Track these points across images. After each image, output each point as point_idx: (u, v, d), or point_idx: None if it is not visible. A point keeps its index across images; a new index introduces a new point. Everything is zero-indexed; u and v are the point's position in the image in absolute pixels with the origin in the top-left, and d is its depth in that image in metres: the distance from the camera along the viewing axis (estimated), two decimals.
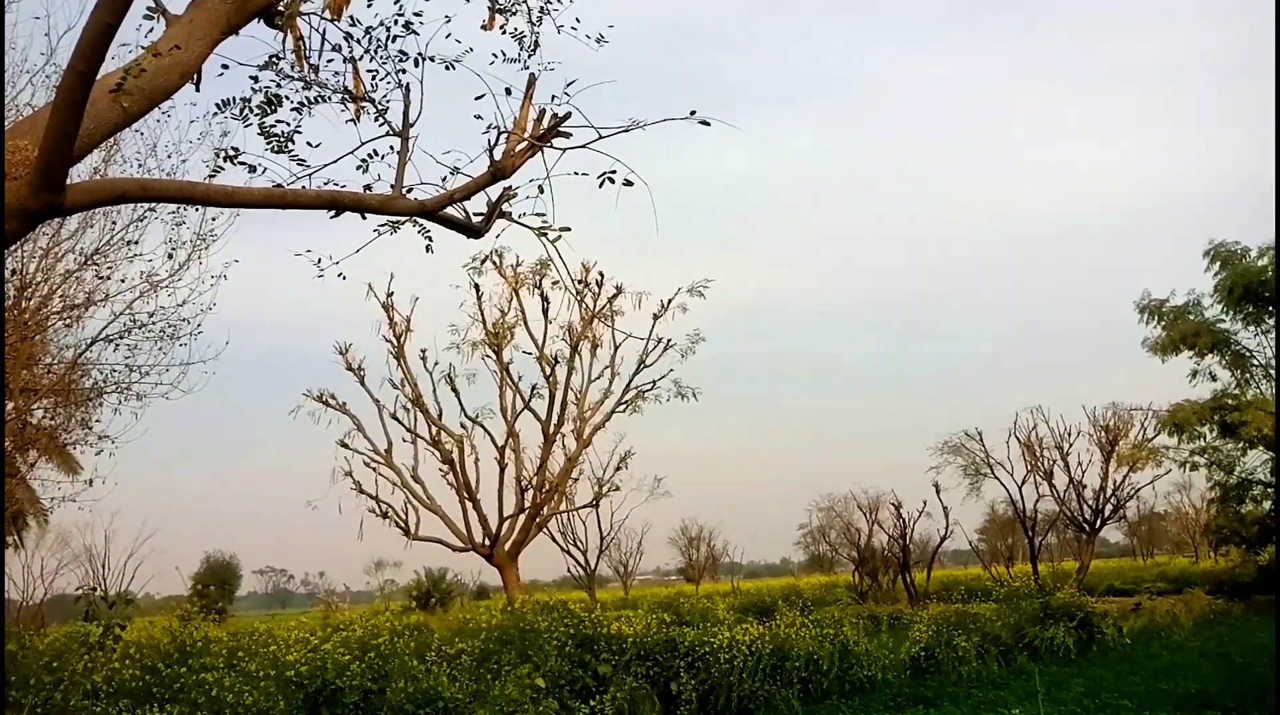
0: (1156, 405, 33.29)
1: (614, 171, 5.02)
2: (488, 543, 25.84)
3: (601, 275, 26.78)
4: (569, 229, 5.12)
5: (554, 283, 26.42)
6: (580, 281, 26.12)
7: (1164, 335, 32.57)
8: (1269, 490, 30.96)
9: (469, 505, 26.15)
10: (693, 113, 5.09)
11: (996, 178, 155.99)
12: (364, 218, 5.32)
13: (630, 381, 27.26)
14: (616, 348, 27.26)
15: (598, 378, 27.39)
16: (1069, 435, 35.36)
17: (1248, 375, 32.19)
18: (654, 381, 27.27)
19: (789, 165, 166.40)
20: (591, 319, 26.70)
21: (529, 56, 6.17)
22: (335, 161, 5.50)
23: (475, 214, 5.32)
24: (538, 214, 5.18)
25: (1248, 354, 32.38)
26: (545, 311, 26.81)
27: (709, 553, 65.25)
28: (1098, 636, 20.28)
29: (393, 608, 33.31)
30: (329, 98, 5.74)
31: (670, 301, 26.73)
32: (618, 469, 29.56)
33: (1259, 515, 30.55)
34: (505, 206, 5.17)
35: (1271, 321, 31.49)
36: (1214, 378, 32.70)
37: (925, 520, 39.49)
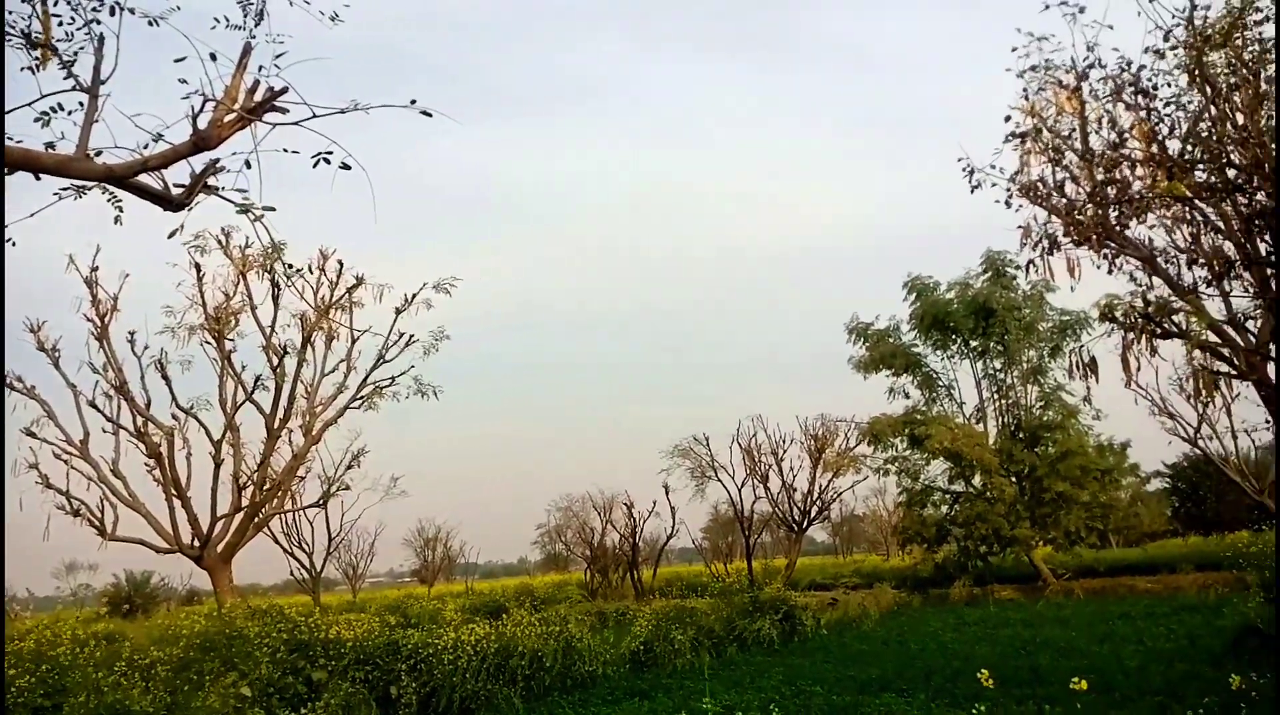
0: (859, 418, 36.85)
1: (330, 152, 4.82)
2: (197, 544, 23.89)
3: (340, 264, 25.65)
4: (273, 208, 4.83)
5: (266, 267, 24.82)
6: (288, 267, 24.79)
7: (867, 355, 36.30)
8: (946, 496, 35.18)
9: (177, 503, 24.07)
10: (413, 101, 5.00)
11: (751, 201, 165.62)
12: (38, 178, 4.73)
13: (367, 377, 26.29)
14: (354, 341, 26.19)
15: (331, 371, 26.16)
16: (784, 442, 38.25)
17: (934, 394, 36.53)
18: (393, 378, 26.45)
19: (553, 169, 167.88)
20: (328, 309, 25.47)
21: (255, 25, 5.78)
22: (8, 112, 4.84)
23: (177, 185, 4.91)
24: (239, 190, 4.84)
25: (935, 376, 36.75)
26: (275, 298, 25.25)
27: (445, 554, 64.28)
28: (799, 628, 22.05)
29: (82, 615, 29.96)
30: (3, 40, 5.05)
31: (415, 296, 26.00)
32: (349, 467, 28.45)
33: (937, 518, 34.60)
34: (211, 180, 4.80)
35: (955, 347, 35.93)
36: (907, 395, 36.86)
37: (655, 520, 41.47)
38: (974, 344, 35.23)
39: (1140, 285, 10.54)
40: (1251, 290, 10.82)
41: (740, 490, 38.36)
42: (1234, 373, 13.65)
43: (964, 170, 7.78)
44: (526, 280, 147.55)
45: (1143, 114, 7.81)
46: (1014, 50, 7.54)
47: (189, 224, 5.29)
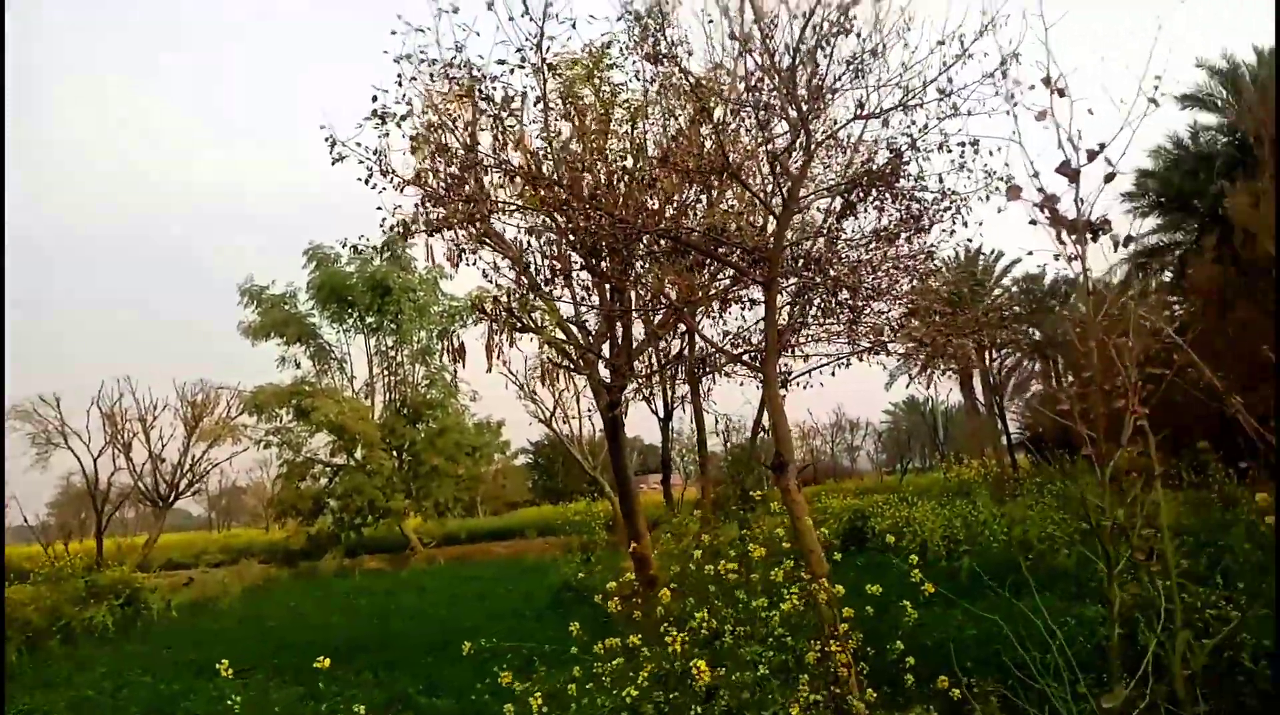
0: (244, 386, 35.00)
1: None
2: None
3: None
4: None
5: None
6: None
7: (258, 320, 34.59)
8: (327, 468, 35.13)
9: None
10: None
11: (177, 151, 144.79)
12: None
13: None
14: None
15: None
16: (155, 408, 34.74)
17: (326, 366, 36.27)
18: None
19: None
20: None
21: None
22: None
23: None
24: None
25: (329, 348, 36.49)
26: None
27: None
28: (144, 612, 20.12)
29: None
30: None
31: None
32: None
33: (316, 491, 34.40)
34: None
35: (351, 320, 36.06)
36: (298, 365, 35.96)
37: None
38: (370, 320, 35.72)
39: (494, 282, 11.50)
40: (583, 294, 12.56)
41: (96, 460, 33.84)
42: (571, 367, 15.67)
43: (326, 141, 7.68)
44: None
45: (497, 121, 8.54)
46: (394, 34, 7.68)
47: None
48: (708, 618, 4.95)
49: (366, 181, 7.83)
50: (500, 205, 9.14)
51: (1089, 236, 3.16)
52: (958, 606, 6.91)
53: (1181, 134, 29.32)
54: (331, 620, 18.36)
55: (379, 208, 8.15)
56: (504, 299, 12.56)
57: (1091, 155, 3.11)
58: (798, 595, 5.32)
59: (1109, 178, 3.12)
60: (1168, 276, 29.54)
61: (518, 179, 9.19)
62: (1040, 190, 3.20)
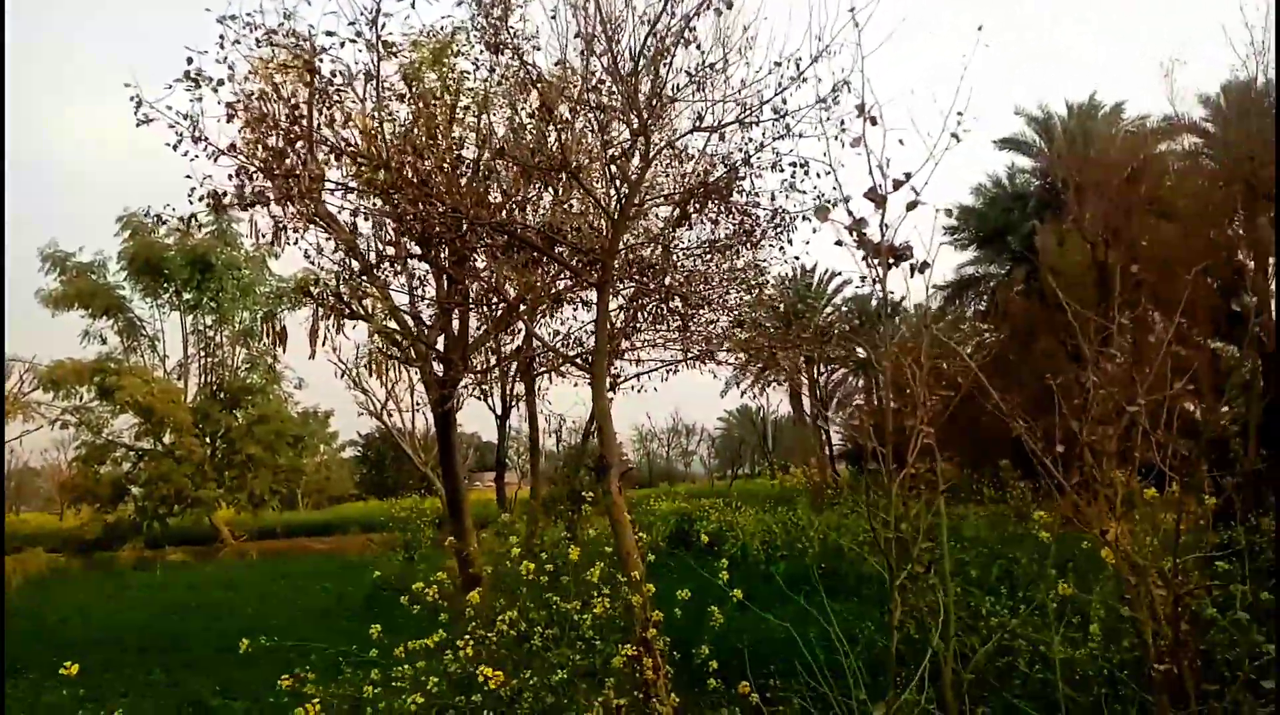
0: (40, 360, 32.03)
1: None
2: None
3: None
4: None
5: None
6: None
7: (61, 289, 31.73)
8: (130, 452, 32.60)
9: None
10: None
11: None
12: None
13: None
14: None
15: None
16: None
17: (135, 343, 33.63)
18: None
19: None
20: None
21: None
22: None
23: None
24: None
25: (140, 323, 33.88)
26: None
27: None
28: None
29: None
30: None
31: None
32: None
33: (116, 476, 31.85)
34: None
35: (167, 296, 33.61)
36: (104, 341, 33.19)
37: None
38: (188, 296, 33.46)
39: (319, 264, 10.95)
40: (418, 283, 12.19)
41: None
42: (402, 358, 15.14)
43: (131, 100, 7.07)
44: None
45: (324, 95, 8.14)
46: None
47: None
48: (516, 619, 4.86)
49: (175, 147, 7.30)
50: (325, 184, 8.71)
51: (890, 261, 3.31)
52: (770, 610, 7.14)
53: (1000, 174, 31.65)
54: (125, 617, 17.08)
55: (188, 176, 7.61)
56: (332, 283, 12.01)
57: (897, 184, 3.26)
58: (609, 598, 5.32)
59: (911, 206, 3.28)
60: (983, 306, 31.73)
61: (345, 158, 8.80)
62: (850, 213, 3.33)
